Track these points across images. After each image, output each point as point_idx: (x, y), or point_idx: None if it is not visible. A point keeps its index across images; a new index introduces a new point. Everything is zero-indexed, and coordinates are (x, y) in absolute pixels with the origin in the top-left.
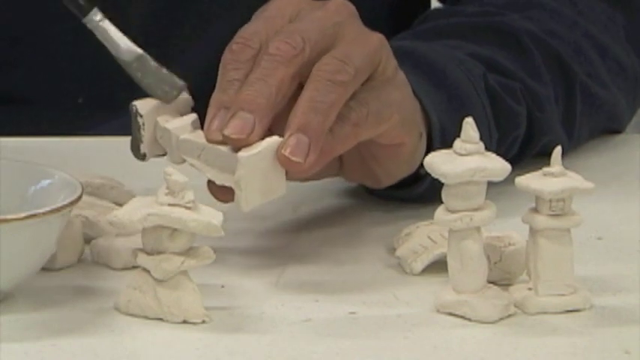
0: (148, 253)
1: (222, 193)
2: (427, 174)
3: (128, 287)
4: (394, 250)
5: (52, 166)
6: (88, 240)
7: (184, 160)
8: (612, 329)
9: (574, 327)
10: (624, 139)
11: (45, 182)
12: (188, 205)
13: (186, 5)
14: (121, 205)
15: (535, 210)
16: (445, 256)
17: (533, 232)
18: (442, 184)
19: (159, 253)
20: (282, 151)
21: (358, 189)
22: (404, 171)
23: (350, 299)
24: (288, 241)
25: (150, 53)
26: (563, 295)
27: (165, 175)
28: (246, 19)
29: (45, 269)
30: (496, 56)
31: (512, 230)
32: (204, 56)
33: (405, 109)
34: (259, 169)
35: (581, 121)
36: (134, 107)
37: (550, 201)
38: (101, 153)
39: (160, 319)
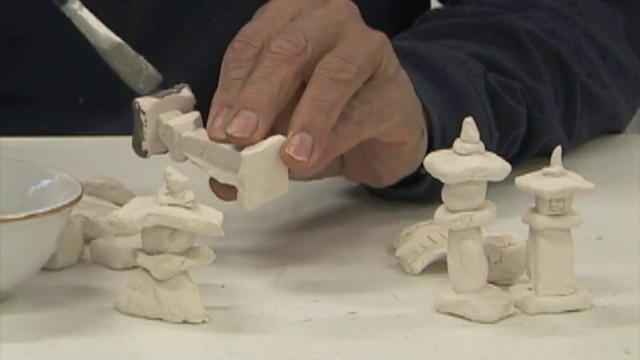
0: (148, 253)
1: (224, 192)
2: (427, 173)
3: (128, 287)
4: (394, 250)
5: (52, 166)
6: (88, 240)
7: (186, 158)
8: (612, 329)
9: (574, 327)
10: (624, 139)
11: (45, 182)
12: (188, 205)
13: (186, 5)
14: (121, 205)
15: (535, 210)
16: (445, 256)
17: (533, 232)
18: (442, 184)
19: (159, 253)
20: (286, 150)
21: (358, 189)
22: (405, 170)
23: (350, 299)
24: (288, 241)
25: (150, 53)
26: (563, 295)
27: (165, 175)
28: (246, 19)
29: (45, 269)
30: (496, 56)
31: (512, 230)
32: (204, 56)
33: (407, 108)
34: (262, 168)
35: (581, 120)
36: (136, 104)
37: (550, 201)
38: (101, 153)
39: (160, 319)
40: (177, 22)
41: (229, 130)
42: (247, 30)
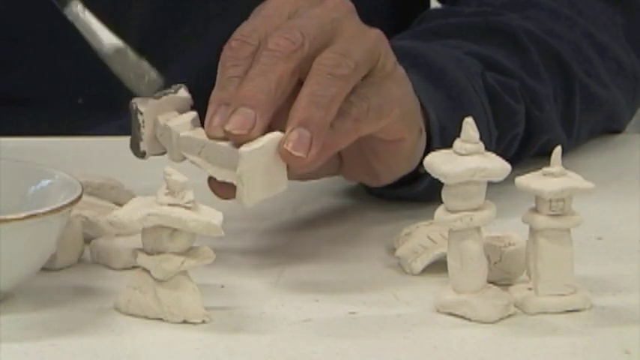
0: (148, 253)
1: (222, 190)
2: (426, 172)
3: (128, 287)
4: (394, 250)
5: (52, 166)
6: (88, 240)
7: (184, 158)
8: (612, 329)
9: (574, 327)
10: (624, 139)
11: (45, 182)
12: (188, 205)
13: (186, 5)
14: (121, 205)
15: (535, 210)
16: (445, 256)
17: (533, 232)
18: (441, 183)
19: (159, 253)
20: (284, 145)
21: (358, 189)
22: (404, 168)
23: (350, 299)
24: (288, 241)
25: (150, 53)
26: (563, 295)
27: (165, 175)
28: (246, 18)
29: (45, 269)
30: (494, 55)
31: (512, 230)
32: (204, 56)
33: (406, 104)
34: (261, 164)
35: (581, 120)
36: (134, 105)
37: (550, 201)
38: (101, 153)
39: (160, 319)
40: (177, 22)
41: (227, 128)
42: (244, 29)
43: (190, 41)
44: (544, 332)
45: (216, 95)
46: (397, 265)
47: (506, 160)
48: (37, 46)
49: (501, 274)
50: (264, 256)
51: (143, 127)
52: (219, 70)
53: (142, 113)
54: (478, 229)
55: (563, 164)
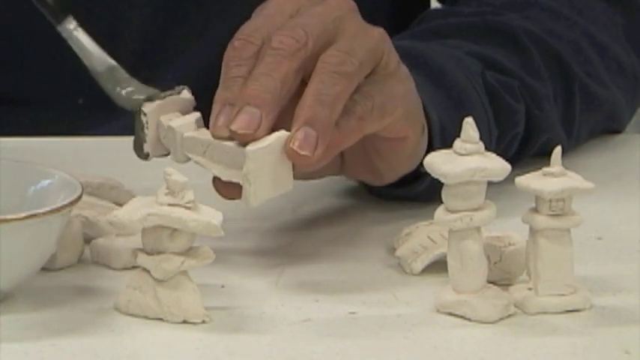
0: (148, 253)
1: (227, 190)
2: (427, 172)
3: (128, 287)
4: (394, 250)
5: (52, 166)
6: (88, 240)
7: (188, 159)
8: (612, 329)
9: (574, 327)
10: (624, 139)
11: (45, 182)
12: (188, 205)
13: (186, 5)
14: (121, 205)
15: (535, 210)
16: (445, 256)
17: (533, 232)
18: (442, 183)
19: (159, 253)
20: (290, 145)
21: (358, 189)
22: (406, 166)
23: (350, 299)
24: (288, 241)
25: (150, 53)
26: (563, 295)
27: (165, 175)
28: (246, 18)
29: (45, 269)
30: (494, 55)
31: (512, 230)
32: (204, 56)
33: (409, 102)
34: (267, 163)
35: (581, 120)
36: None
37: (550, 201)
38: (101, 153)
39: (160, 319)
40: (177, 22)
41: (233, 127)
42: (247, 28)
43: (190, 41)
44: (544, 332)
45: (220, 95)
46: (397, 265)
47: (507, 159)
48: (37, 46)
49: (501, 274)
50: (264, 256)
51: (147, 128)
52: (222, 70)
53: (145, 114)
54: (478, 229)
55: (563, 164)
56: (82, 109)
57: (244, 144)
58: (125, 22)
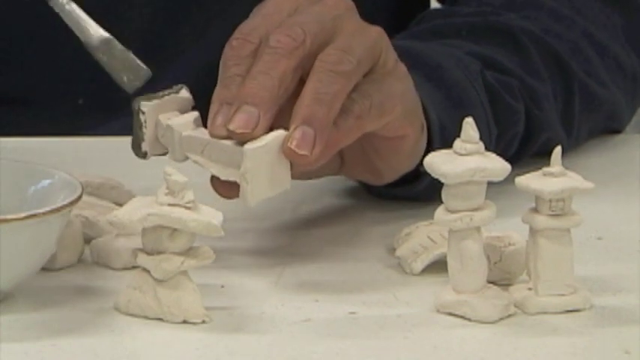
0: (148, 253)
1: (225, 189)
2: (427, 171)
3: (128, 287)
4: (394, 250)
5: (52, 166)
6: (88, 240)
7: (186, 158)
8: (612, 329)
9: (574, 327)
10: (624, 139)
11: (45, 182)
12: (188, 205)
13: (186, 5)
14: (121, 205)
15: (535, 210)
16: (445, 256)
17: (533, 232)
18: (442, 183)
19: (159, 253)
20: (288, 144)
21: (358, 188)
22: (406, 165)
23: (350, 299)
24: (287, 241)
25: (150, 53)
26: (563, 295)
27: (165, 175)
28: (245, 18)
29: (45, 269)
30: (493, 54)
31: (512, 230)
32: (204, 56)
33: (408, 101)
34: (265, 162)
35: (580, 119)
36: (136, 105)
37: (550, 201)
38: (101, 153)
39: (160, 319)
40: (178, 22)
41: (231, 126)
42: (245, 27)
43: (190, 41)
44: (544, 332)
45: (218, 94)
46: (397, 265)
47: (506, 159)
48: (37, 46)
49: (501, 274)
50: (264, 256)
51: (145, 127)
52: (220, 69)
53: (144, 113)
54: (478, 229)
55: (563, 164)
56: (82, 109)
57: (242, 143)
58: (125, 22)
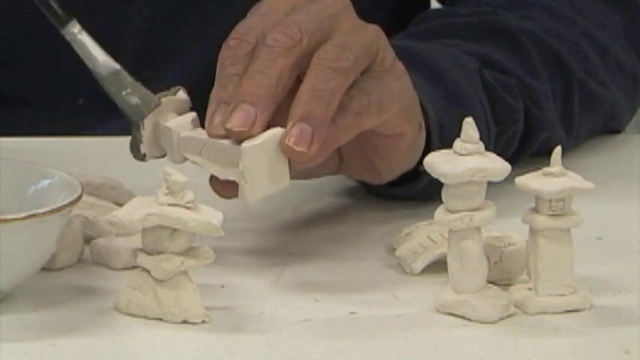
0: (148, 253)
1: (224, 189)
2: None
3: (128, 287)
4: (394, 250)
5: (52, 166)
6: (88, 240)
7: (185, 160)
8: (612, 329)
9: (574, 327)
10: (624, 139)
11: (45, 182)
12: (188, 205)
13: (186, 5)
14: (121, 205)
15: (535, 210)
16: (445, 256)
17: (533, 232)
18: (441, 182)
19: (159, 253)
20: (286, 141)
21: (358, 188)
22: (404, 164)
23: (350, 299)
24: (287, 241)
25: (150, 54)
26: (563, 295)
27: (165, 175)
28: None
29: (45, 269)
30: (492, 54)
31: (512, 230)
32: (204, 56)
33: (406, 98)
34: (263, 160)
35: (580, 119)
36: None
37: (550, 201)
38: (101, 153)
39: (160, 319)
40: (177, 22)
41: (228, 125)
42: (241, 27)
43: (190, 41)
44: (544, 332)
45: (215, 94)
46: (397, 265)
47: (506, 158)
48: (37, 46)
49: (501, 274)
50: (264, 256)
51: (143, 129)
52: (217, 69)
53: None
54: (478, 229)
55: (563, 164)
56: (82, 109)
57: (240, 141)
58: (125, 22)
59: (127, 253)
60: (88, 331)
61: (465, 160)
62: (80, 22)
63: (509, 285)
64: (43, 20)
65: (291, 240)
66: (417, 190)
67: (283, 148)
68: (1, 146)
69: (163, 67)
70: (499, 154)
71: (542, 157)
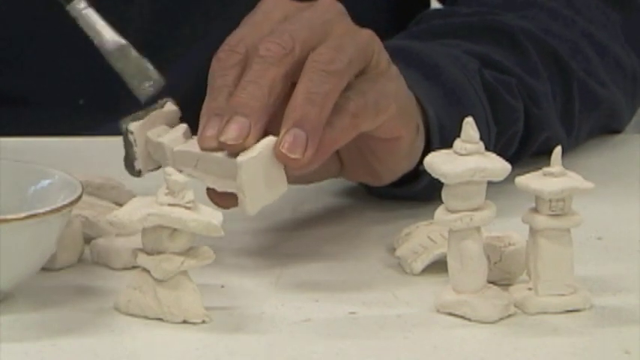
0: (148, 253)
1: (222, 200)
2: (426, 170)
3: (128, 287)
4: (394, 250)
5: (52, 166)
6: (88, 240)
7: (181, 172)
8: (612, 329)
9: (574, 327)
10: (624, 139)
11: (45, 182)
12: (188, 205)
13: (186, 6)
14: (121, 205)
15: (535, 210)
16: (445, 256)
17: (533, 232)
18: (441, 182)
19: (159, 253)
20: (280, 147)
21: (358, 188)
22: (403, 166)
23: (350, 299)
24: (287, 241)
25: (150, 55)
26: (563, 295)
27: (165, 175)
28: None
29: (45, 269)
30: (492, 53)
31: (512, 230)
32: (204, 56)
33: (402, 100)
34: (260, 171)
35: (580, 118)
36: (123, 125)
37: (550, 201)
38: (101, 153)
39: (160, 319)
40: (178, 22)
41: (222, 139)
42: (232, 39)
43: (190, 41)
44: (544, 332)
45: (207, 106)
46: (397, 265)
47: (506, 158)
48: (37, 46)
49: (501, 274)
50: (264, 256)
51: (135, 145)
52: (208, 82)
53: (132, 132)
54: (478, 229)
55: (563, 164)
56: (82, 109)
57: (234, 154)
58: (125, 22)
59: (127, 253)
60: (88, 331)
61: (465, 160)
62: None
63: (509, 285)
64: (43, 20)
65: (291, 240)
66: (417, 190)
67: (278, 154)
68: (1, 146)
69: (163, 67)
70: (499, 154)
71: (542, 157)
